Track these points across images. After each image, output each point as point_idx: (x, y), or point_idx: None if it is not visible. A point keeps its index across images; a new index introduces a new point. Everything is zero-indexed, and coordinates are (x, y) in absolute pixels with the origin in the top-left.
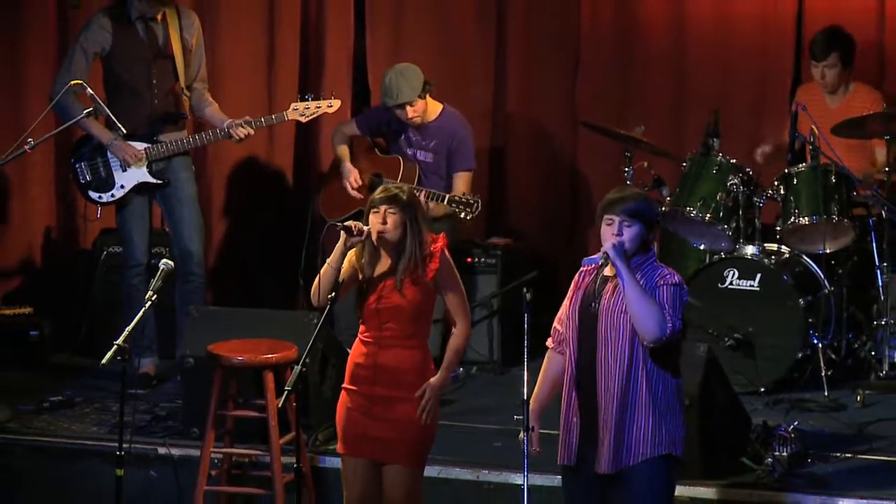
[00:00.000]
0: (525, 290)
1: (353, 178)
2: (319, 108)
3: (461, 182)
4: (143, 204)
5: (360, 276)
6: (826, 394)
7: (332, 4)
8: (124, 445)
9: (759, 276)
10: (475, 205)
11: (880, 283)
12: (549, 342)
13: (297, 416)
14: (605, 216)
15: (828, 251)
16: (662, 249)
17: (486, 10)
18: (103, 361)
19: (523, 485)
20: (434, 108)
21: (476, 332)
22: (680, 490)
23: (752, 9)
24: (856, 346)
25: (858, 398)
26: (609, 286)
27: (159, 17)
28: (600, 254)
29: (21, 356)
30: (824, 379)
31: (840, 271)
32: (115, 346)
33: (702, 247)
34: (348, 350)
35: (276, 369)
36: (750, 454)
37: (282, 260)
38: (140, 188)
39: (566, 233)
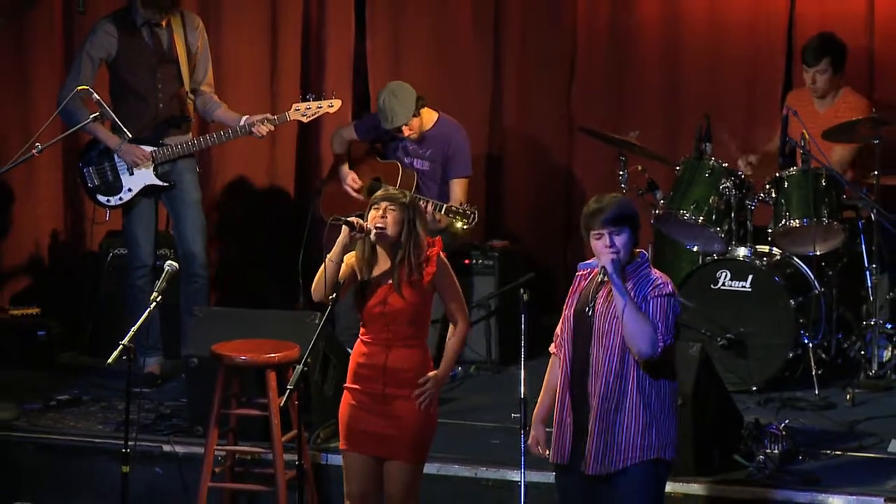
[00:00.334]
0: (522, 291)
1: (350, 179)
2: (321, 108)
3: (458, 189)
4: (149, 206)
5: (360, 276)
6: (816, 392)
7: (332, 9)
8: (130, 443)
9: (750, 277)
10: (472, 216)
11: (869, 284)
12: (551, 348)
13: (299, 414)
14: (593, 231)
15: (818, 253)
16: (657, 251)
17: (483, 18)
18: (109, 361)
19: (520, 481)
20: (430, 116)
21: (474, 332)
22: (673, 487)
23: (744, 17)
24: (845, 345)
25: (848, 397)
26: (604, 290)
27: (164, 22)
28: (595, 262)
29: (29, 356)
30: (815, 378)
31: (830, 273)
32: (120, 346)
33: (695, 249)
34: (348, 349)
35: (278, 368)
36: (742, 451)
37: (284, 261)
38: (146, 191)
39: (562, 235)
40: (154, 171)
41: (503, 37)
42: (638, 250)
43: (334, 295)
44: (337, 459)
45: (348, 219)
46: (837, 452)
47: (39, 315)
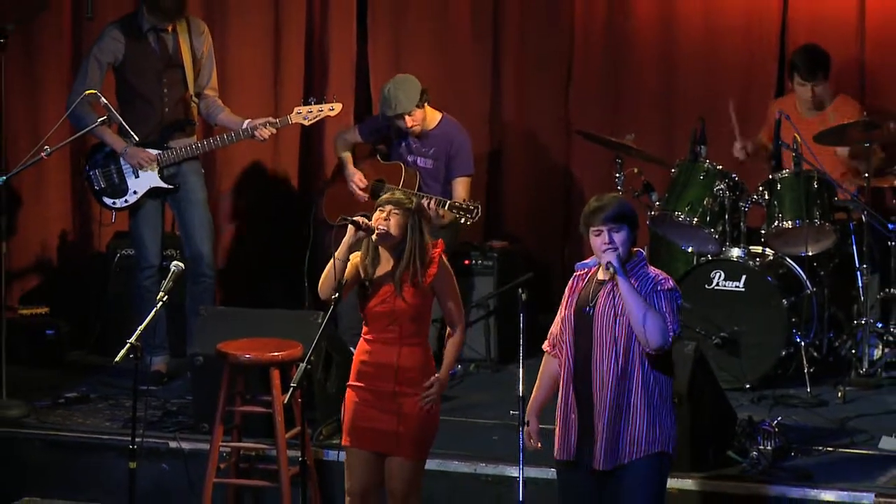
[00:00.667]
0: (521, 290)
1: (357, 178)
2: (322, 111)
3: (460, 187)
4: (156, 208)
5: (363, 276)
6: (808, 390)
7: (335, 13)
8: (137, 439)
9: (744, 277)
10: (475, 210)
11: (860, 284)
12: (545, 346)
13: (302, 412)
14: (592, 228)
15: (810, 254)
16: (652, 252)
17: (482, 21)
18: (117, 359)
19: (519, 477)
20: (434, 116)
21: (474, 331)
22: (669, 482)
23: (738, 22)
24: (837, 344)
25: (839, 394)
26: (603, 290)
27: (170, 28)
28: (594, 260)
29: (38, 354)
30: (807, 376)
31: (822, 273)
32: (128, 345)
33: (690, 249)
34: (351, 348)
35: (282, 367)
36: (736, 448)
37: (288, 261)
38: (152, 193)
39: (560, 236)
40: (159, 173)
41: (502, 38)
42: (636, 249)
43: (337, 295)
44: (339, 456)
45: (354, 218)
46: (829, 449)
47: (48, 314)
